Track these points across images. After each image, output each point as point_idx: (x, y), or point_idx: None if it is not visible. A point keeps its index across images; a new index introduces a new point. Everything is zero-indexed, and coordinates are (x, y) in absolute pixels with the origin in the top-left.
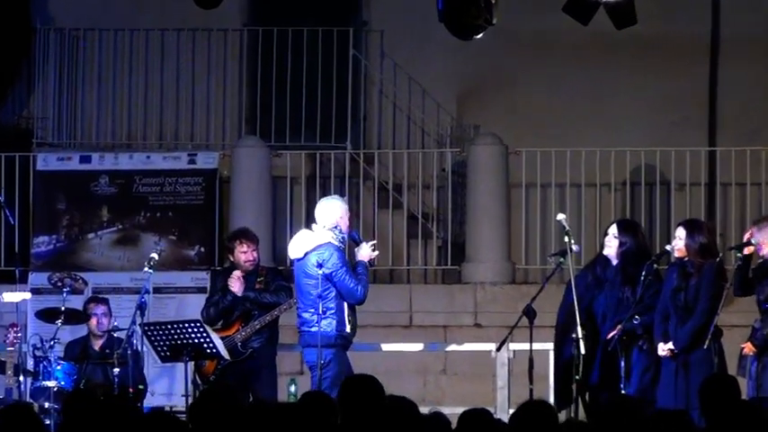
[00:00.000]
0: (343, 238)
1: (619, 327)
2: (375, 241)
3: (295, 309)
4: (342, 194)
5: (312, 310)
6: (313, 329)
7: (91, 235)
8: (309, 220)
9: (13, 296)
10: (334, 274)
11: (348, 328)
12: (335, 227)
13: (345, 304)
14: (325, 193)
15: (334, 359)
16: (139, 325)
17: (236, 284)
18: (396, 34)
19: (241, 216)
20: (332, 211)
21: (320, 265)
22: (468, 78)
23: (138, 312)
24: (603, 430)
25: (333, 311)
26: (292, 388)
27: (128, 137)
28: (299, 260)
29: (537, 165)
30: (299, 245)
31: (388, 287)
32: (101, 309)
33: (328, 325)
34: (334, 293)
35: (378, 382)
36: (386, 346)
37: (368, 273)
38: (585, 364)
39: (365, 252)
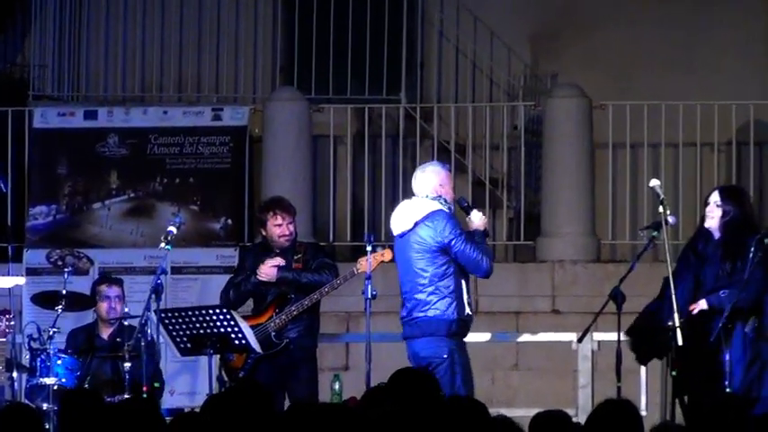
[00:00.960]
0: (449, 207)
1: (702, 301)
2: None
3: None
4: (395, 156)
5: (429, 290)
6: (430, 313)
7: (97, 205)
8: (356, 187)
9: (3, 281)
10: (452, 243)
11: (468, 311)
12: (439, 197)
13: (464, 283)
14: (375, 155)
15: (457, 348)
16: (155, 311)
17: (267, 273)
18: None
19: (275, 182)
20: (428, 181)
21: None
22: (544, 19)
23: (154, 297)
24: None
25: (451, 291)
26: (336, 386)
27: (141, 88)
28: (403, 235)
29: (626, 121)
30: (405, 215)
31: None
32: (114, 291)
33: (447, 307)
34: (453, 270)
35: (432, 378)
36: None
37: (486, 242)
38: (684, 358)
39: (478, 219)
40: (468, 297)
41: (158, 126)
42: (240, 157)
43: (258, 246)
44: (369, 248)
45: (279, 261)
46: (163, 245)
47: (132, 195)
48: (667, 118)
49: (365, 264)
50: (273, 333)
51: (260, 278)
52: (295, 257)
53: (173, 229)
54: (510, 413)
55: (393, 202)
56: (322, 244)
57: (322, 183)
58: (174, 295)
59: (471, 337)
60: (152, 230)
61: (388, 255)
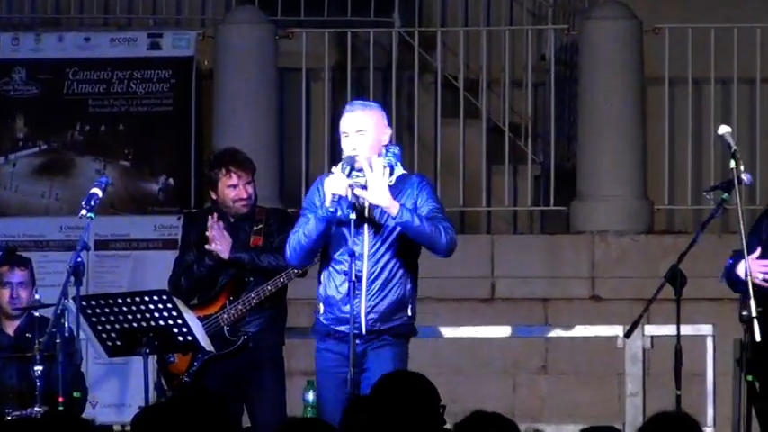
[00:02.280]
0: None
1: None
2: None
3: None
4: (386, 94)
5: None
6: None
7: (0, 160)
8: (334, 132)
9: None
10: None
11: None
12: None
13: (324, 275)
14: (361, 94)
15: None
16: (74, 299)
17: (220, 242)
18: None
19: (230, 129)
20: None
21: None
22: None
23: (73, 279)
24: None
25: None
26: (310, 395)
27: (56, 9)
28: None
29: (687, 50)
30: None
31: (459, 239)
32: (18, 275)
33: None
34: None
35: (427, 384)
36: (453, 331)
37: (316, 215)
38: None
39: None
40: (324, 293)
41: (78, 57)
42: (185, 98)
43: (207, 212)
44: (352, 216)
45: (212, 223)
46: (84, 212)
47: (45, 147)
48: (740, 46)
49: None
50: (227, 327)
51: (213, 248)
52: (255, 228)
53: (97, 191)
54: None
55: None
56: (290, 211)
57: (291, 130)
58: (100, 277)
59: (486, 332)
60: (70, 193)
61: None
